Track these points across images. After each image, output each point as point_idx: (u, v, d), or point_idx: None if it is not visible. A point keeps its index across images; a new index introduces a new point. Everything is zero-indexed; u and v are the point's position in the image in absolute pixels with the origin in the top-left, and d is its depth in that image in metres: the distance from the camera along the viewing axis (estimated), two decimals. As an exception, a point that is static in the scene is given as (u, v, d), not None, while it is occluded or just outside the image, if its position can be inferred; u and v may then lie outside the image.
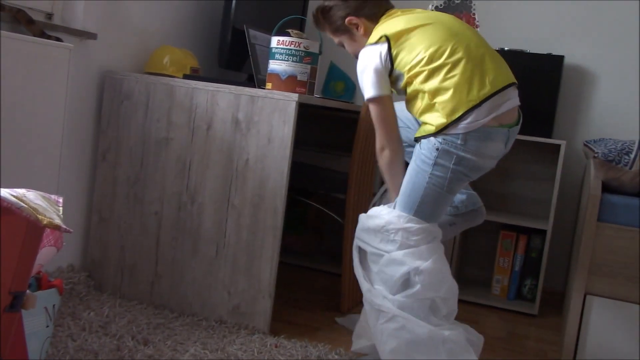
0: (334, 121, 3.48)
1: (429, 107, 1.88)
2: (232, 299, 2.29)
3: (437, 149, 1.87)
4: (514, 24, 3.29)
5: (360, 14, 2.04)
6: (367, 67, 1.93)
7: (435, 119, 1.87)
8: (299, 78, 2.31)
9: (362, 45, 2.01)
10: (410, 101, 1.96)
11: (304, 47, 2.29)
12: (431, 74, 1.86)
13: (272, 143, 2.22)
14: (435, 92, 1.86)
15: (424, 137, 1.91)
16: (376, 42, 1.92)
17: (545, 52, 3.10)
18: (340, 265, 2.66)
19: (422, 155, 1.91)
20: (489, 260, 3.28)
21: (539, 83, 3.05)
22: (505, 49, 3.12)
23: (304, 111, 2.32)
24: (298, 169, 2.76)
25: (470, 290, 3.16)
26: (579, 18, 3.20)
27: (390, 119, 1.95)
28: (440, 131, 1.86)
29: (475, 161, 1.88)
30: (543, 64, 3.05)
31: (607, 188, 2.52)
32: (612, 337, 2.34)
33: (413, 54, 1.88)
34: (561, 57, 3.05)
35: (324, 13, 2.10)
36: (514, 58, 3.06)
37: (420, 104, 1.91)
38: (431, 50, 1.86)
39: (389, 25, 1.94)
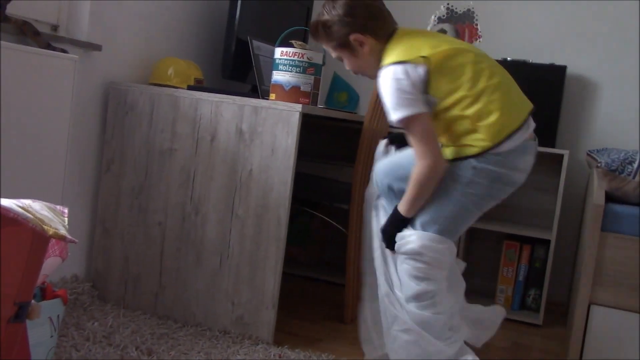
0: (337, 132, 3.49)
1: (470, 131, 1.86)
2: (235, 310, 2.29)
3: (474, 167, 1.86)
4: (516, 35, 3.30)
5: (367, 32, 1.92)
6: (402, 84, 1.81)
7: (478, 142, 1.85)
8: (302, 89, 2.32)
9: (364, 62, 1.97)
10: (445, 127, 1.90)
11: (307, 58, 2.31)
12: (476, 99, 1.83)
13: (275, 154, 2.23)
14: (479, 116, 1.83)
15: (463, 158, 1.88)
16: (409, 61, 1.83)
17: (547, 63, 3.11)
18: (344, 276, 2.66)
19: (454, 175, 1.87)
20: (493, 270, 3.27)
21: (541, 93, 3.06)
22: (508, 59, 3.13)
23: (307, 121, 2.33)
24: (301, 180, 2.77)
25: (474, 300, 3.15)
26: (581, 28, 3.21)
27: (430, 133, 1.85)
28: (482, 153, 1.85)
29: (511, 175, 1.90)
30: (546, 74, 3.06)
31: (610, 198, 2.52)
32: (616, 347, 2.33)
33: (455, 80, 1.84)
34: (564, 67, 3.06)
35: (325, 27, 1.95)
36: (517, 68, 3.07)
37: (459, 128, 1.87)
38: (472, 74, 1.85)
39: (418, 45, 1.87)
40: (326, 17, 1.95)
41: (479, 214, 1.93)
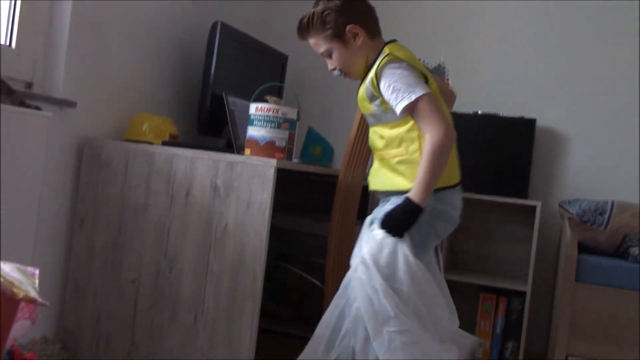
0: (312, 185, 3.50)
1: (417, 158, 1.88)
2: (210, 368, 2.24)
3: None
4: (486, 89, 3.38)
5: (363, 25, 1.98)
6: (405, 72, 1.88)
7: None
8: (277, 144, 2.33)
9: (353, 57, 1.99)
10: (401, 140, 1.92)
11: (282, 114, 2.33)
12: None
13: (251, 208, 2.23)
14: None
15: (399, 192, 1.89)
16: (412, 66, 1.90)
17: (517, 116, 3.18)
18: (321, 331, 2.63)
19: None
20: (470, 323, 3.26)
21: (512, 145, 3.12)
22: (479, 112, 3.19)
23: (282, 175, 2.35)
24: (277, 234, 2.76)
25: (452, 353, 3.13)
26: (549, 82, 3.30)
27: (439, 108, 1.86)
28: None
29: (451, 213, 1.95)
30: (516, 127, 3.13)
31: (584, 248, 2.55)
32: (595, 400, 2.32)
33: None
34: (533, 120, 3.13)
35: (321, 16, 1.97)
36: (488, 121, 3.14)
37: (412, 147, 1.90)
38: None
39: (417, 62, 1.95)
40: (323, 6, 1.98)
41: (428, 253, 1.96)
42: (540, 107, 3.28)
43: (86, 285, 2.39)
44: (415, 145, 1.91)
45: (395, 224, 1.86)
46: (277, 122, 2.32)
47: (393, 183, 1.96)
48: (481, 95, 3.38)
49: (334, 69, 2.05)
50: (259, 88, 2.52)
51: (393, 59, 1.91)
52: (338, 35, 1.98)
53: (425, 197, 1.84)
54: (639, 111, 3.17)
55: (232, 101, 2.66)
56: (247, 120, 2.39)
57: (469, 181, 3.10)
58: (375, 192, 2.09)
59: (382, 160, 2.01)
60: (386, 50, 1.94)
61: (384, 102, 1.93)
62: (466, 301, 3.30)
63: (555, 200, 3.21)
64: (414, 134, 1.92)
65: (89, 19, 2.39)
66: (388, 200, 1.98)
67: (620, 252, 2.67)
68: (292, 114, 2.37)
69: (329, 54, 2.03)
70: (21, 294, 1.13)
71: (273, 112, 2.32)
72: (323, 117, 3.52)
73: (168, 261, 2.30)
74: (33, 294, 1.16)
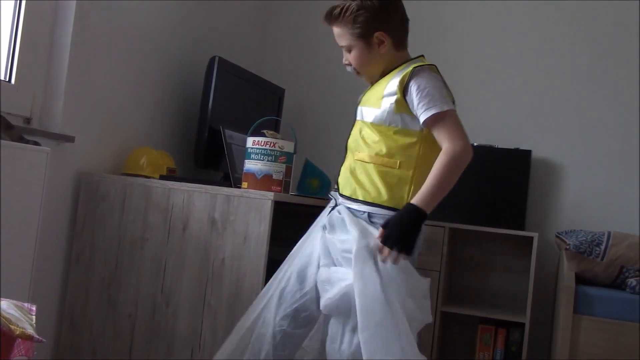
0: (309, 217, 3.49)
1: (407, 178, 1.86)
2: (207, 404, 2.22)
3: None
4: (481, 120, 3.41)
5: (392, 35, 1.93)
6: (441, 84, 1.88)
7: (396, 200, 1.85)
8: (274, 177, 2.35)
9: (372, 62, 1.95)
10: (397, 151, 1.88)
11: (279, 147, 2.35)
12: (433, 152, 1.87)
13: (248, 242, 2.23)
14: (425, 170, 1.84)
15: (371, 205, 1.87)
16: (443, 82, 1.90)
17: (513, 147, 3.20)
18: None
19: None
20: (469, 355, 3.23)
21: (508, 177, 3.14)
22: (475, 144, 3.21)
23: (279, 208, 2.35)
24: (274, 267, 2.74)
25: (452, 386, 3.10)
26: (544, 113, 3.33)
27: (461, 125, 1.87)
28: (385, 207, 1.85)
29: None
30: (511, 158, 3.15)
31: (581, 279, 2.55)
32: None
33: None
34: (529, 152, 3.15)
35: (354, 13, 1.90)
36: (483, 153, 3.16)
37: (406, 166, 1.87)
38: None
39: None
40: (360, 3, 1.91)
41: None
42: (535, 139, 3.31)
43: (82, 320, 2.38)
44: (409, 166, 1.86)
45: (406, 241, 1.78)
46: (274, 156, 2.34)
47: (379, 194, 1.88)
48: (476, 126, 3.40)
49: (348, 64, 2.00)
50: (256, 122, 2.54)
51: (433, 68, 1.91)
52: (364, 37, 1.92)
53: (433, 206, 1.78)
54: (635, 141, 3.19)
55: (230, 134, 2.67)
56: (244, 154, 2.41)
57: (465, 213, 3.13)
58: (336, 197, 2.01)
59: (362, 163, 1.92)
60: (420, 61, 1.94)
61: (399, 102, 1.86)
62: (464, 332, 3.28)
63: (552, 231, 3.21)
64: (414, 152, 1.87)
65: (87, 55, 2.41)
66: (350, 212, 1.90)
67: (617, 283, 2.67)
68: (289, 147, 2.38)
69: (348, 50, 1.97)
70: (18, 331, 1.12)
71: (270, 145, 2.34)
72: (320, 150, 3.53)
73: (165, 296, 2.29)
74: (30, 330, 1.16)
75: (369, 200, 1.88)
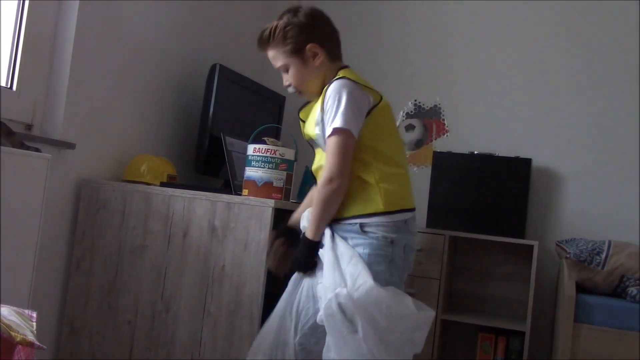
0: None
1: (366, 188, 1.86)
2: (207, 412, 2.21)
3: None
4: (482, 129, 3.41)
5: (324, 46, 1.95)
6: (353, 100, 1.83)
7: (373, 205, 1.85)
8: (275, 184, 2.35)
9: (310, 76, 1.95)
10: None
11: (280, 155, 2.35)
12: (393, 163, 1.88)
13: (248, 249, 2.22)
14: (384, 177, 1.86)
15: (356, 217, 1.86)
16: (363, 87, 1.87)
17: (513, 155, 3.20)
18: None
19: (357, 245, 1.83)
20: (469, 364, 3.23)
21: (508, 185, 3.14)
22: (475, 152, 3.22)
23: (280, 216, 2.36)
24: (274, 274, 2.74)
25: (452, 395, 3.09)
26: (544, 122, 3.33)
27: (350, 154, 1.83)
28: (378, 214, 1.84)
29: (415, 242, 1.93)
30: (512, 167, 3.15)
31: (582, 288, 2.54)
32: None
33: (386, 135, 1.90)
34: (529, 160, 3.15)
35: (284, 30, 1.94)
36: (484, 161, 3.17)
37: (356, 158, 1.86)
38: (399, 144, 1.96)
39: (374, 91, 1.92)
40: (287, 21, 1.95)
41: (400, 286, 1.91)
42: (535, 147, 3.31)
43: (82, 327, 2.37)
44: (356, 175, 1.86)
45: (301, 266, 1.92)
46: (275, 163, 2.34)
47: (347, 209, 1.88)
48: (477, 135, 3.41)
49: (289, 85, 2.00)
50: (257, 129, 2.55)
51: (345, 78, 1.88)
52: (297, 52, 1.94)
53: (320, 231, 1.86)
54: (635, 149, 3.19)
55: (230, 142, 2.68)
56: (245, 161, 2.41)
57: (465, 221, 3.13)
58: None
59: None
60: (340, 74, 1.93)
61: (324, 124, 1.88)
62: (464, 341, 3.28)
63: (552, 240, 3.21)
64: (355, 161, 1.86)
65: (89, 62, 2.42)
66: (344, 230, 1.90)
67: (618, 292, 2.67)
68: (289, 154, 2.39)
69: (285, 69, 1.99)
70: (18, 338, 1.12)
71: (271, 153, 2.34)
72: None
73: (164, 303, 2.29)
74: (30, 337, 1.15)
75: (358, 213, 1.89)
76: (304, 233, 1.91)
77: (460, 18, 3.49)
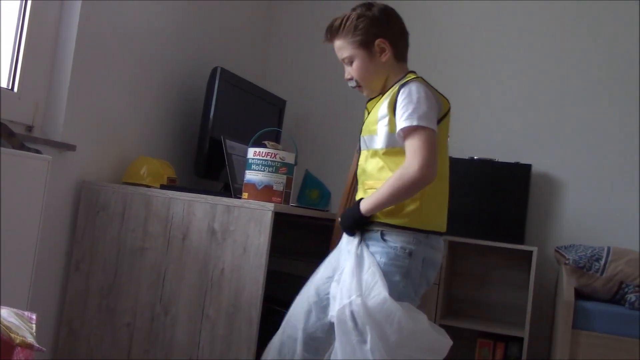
0: (308, 228, 3.50)
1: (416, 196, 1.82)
2: (205, 415, 2.21)
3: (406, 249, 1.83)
4: (482, 135, 3.42)
5: (393, 44, 1.93)
6: (433, 105, 1.82)
7: (406, 220, 1.83)
8: (274, 188, 2.35)
9: (374, 72, 1.93)
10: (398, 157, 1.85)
11: (280, 158, 2.35)
12: (437, 176, 1.83)
13: (247, 252, 2.22)
14: (431, 194, 1.83)
15: (391, 226, 1.83)
16: (440, 97, 1.87)
17: (513, 161, 3.21)
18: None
19: (387, 254, 1.82)
20: (467, 369, 3.23)
21: (508, 191, 3.14)
22: (475, 157, 3.22)
23: (279, 219, 2.36)
24: (274, 278, 2.74)
25: (450, 400, 3.09)
26: (544, 128, 3.34)
27: (435, 151, 1.78)
28: (412, 229, 1.83)
29: (439, 259, 1.92)
30: (511, 173, 3.15)
31: (581, 294, 2.54)
32: None
33: (440, 148, 1.84)
34: (529, 166, 3.15)
35: (357, 20, 1.91)
36: (483, 167, 3.17)
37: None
38: (446, 160, 1.93)
39: (445, 100, 1.90)
40: (360, 12, 1.93)
41: (416, 300, 1.89)
42: (535, 153, 3.31)
43: (80, 329, 2.37)
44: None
45: (349, 227, 1.89)
46: (275, 167, 2.34)
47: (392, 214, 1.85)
48: (477, 140, 3.42)
49: (351, 78, 1.97)
50: (257, 132, 2.55)
51: (422, 80, 1.87)
52: (365, 45, 1.91)
53: (373, 213, 1.83)
54: (634, 156, 3.20)
55: (231, 145, 2.68)
56: (245, 164, 2.41)
57: (465, 226, 3.13)
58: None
59: (372, 190, 1.89)
60: (411, 76, 1.91)
61: (391, 122, 1.84)
62: (463, 347, 3.27)
63: (552, 246, 3.21)
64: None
65: (90, 64, 2.42)
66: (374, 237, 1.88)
67: (617, 298, 2.67)
68: (289, 158, 2.39)
69: (350, 61, 1.96)
70: (18, 340, 1.12)
71: (271, 156, 2.34)
72: (320, 161, 3.54)
73: (163, 305, 2.29)
74: (30, 339, 1.15)
75: (382, 221, 1.87)
76: (360, 199, 1.86)
77: (460, 24, 3.49)
